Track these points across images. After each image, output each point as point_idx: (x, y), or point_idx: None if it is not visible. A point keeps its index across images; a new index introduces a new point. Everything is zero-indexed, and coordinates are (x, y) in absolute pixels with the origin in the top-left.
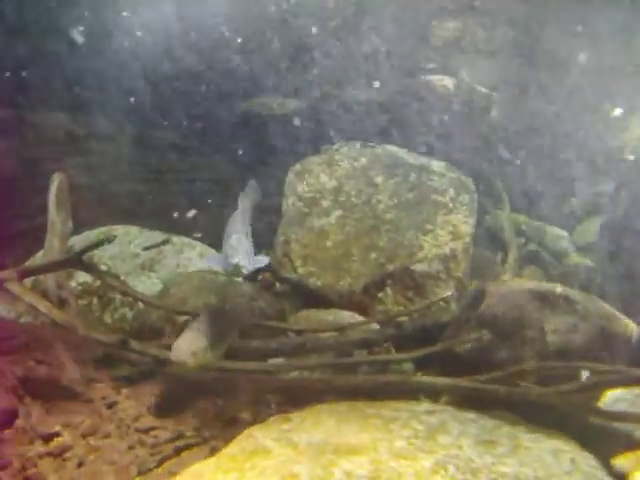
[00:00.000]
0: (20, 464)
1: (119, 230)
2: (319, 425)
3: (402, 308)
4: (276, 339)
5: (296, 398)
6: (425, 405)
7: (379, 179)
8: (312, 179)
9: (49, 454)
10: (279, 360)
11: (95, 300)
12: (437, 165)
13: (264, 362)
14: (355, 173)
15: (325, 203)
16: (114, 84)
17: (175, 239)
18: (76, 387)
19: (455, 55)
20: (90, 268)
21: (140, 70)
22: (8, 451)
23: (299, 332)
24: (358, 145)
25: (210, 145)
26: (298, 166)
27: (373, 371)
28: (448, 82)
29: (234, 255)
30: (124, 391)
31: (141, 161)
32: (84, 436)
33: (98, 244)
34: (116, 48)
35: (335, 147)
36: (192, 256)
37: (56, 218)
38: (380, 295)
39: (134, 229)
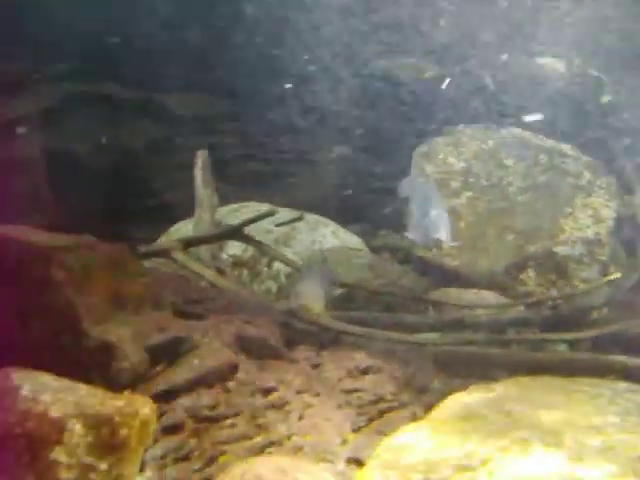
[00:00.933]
0: (250, 413)
1: (250, 206)
2: (524, 396)
3: (544, 290)
4: (431, 315)
5: (480, 370)
6: (622, 384)
7: (509, 161)
8: (439, 160)
9: (273, 406)
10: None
11: (245, 272)
12: (568, 147)
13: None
14: (483, 155)
15: (454, 184)
16: (237, 66)
17: (308, 216)
18: (281, 347)
19: (567, 37)
20: (251, 240)
21: (256, 49)
22: (236, 401)
23: (458, 308)
24: (481, 127)
25: (332, 126)
26: (424, 147)
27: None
28: (559, 65)
29: (436, 230)
30: (323, 354)
31: (263, 142)
32: (298, 392)
33: (258, 218)
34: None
35: (458, 128)
36: (326, 233)
37: (203, 193)
38: (522, 277)
39: (264, 206)
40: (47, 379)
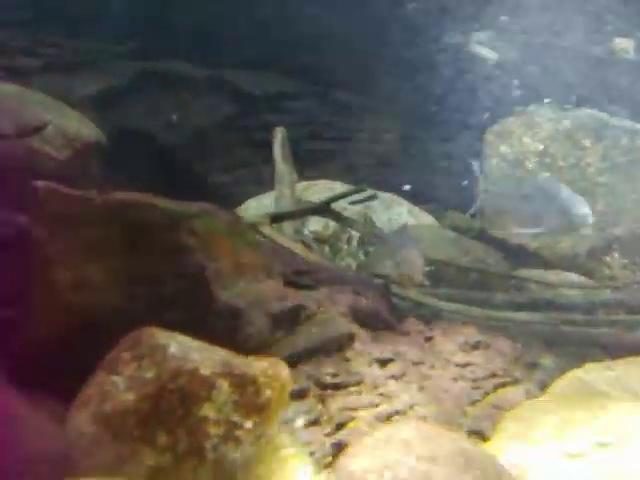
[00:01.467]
0: (371, 383)
1: (320, 184)
2: None
3: (630, 273)
4: (522, 294)
5: (584, 350)
6: None
7: (587, 142)
8: (514, 140)
9: (392, 376)
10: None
11: (327, 248)
12: None
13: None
14: (559, 135)
15: (530, 165)
16: (306, 44)
17: (382, 195)
18: (392, 319)
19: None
20: (338, 216)
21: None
22: (355, 370)
23: (549, 287)
24: (554, 107)
25: (400, 105)
26: (497, 127)
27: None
28: (628, 44)
29: (578, 206)
30: (434, 327)
31: (327, 121)
32: (415, 364)
33: (345, 195)
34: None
35: (530, 109)
36: (402, 212)
37: (283, 169)
38: (606, 259)
39: (337, 184)
40: (186, 340)
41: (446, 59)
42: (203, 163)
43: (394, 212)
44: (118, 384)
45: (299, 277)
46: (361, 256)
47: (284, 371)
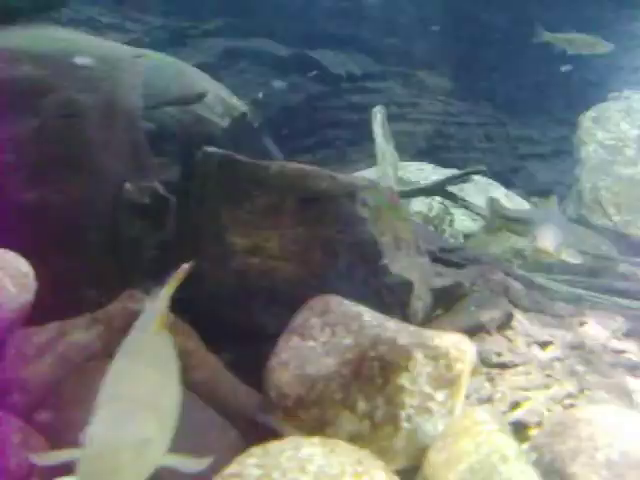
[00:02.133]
0: (538, 364)
1: (412, 165)
2: None
3: None
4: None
5: None
6: None
7: None
8: (612, 126)
9: (556, 359)
10: None
11: (431, 228)
12: None
13: None
14: None
15: (629, 152)
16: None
17: (476, 178)
18: (545, 301)
19: None
20: (453, 197)
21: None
22: (518, 350)
23: None
24: None
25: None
26: (592, 112)
27: None
28: None
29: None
30: (585, 312)
31: (412, 102)
32: (572, 348)
33: (461, 175)
34: None
35: (625, 94)
36: (499, 195)
37: (386, 148)
38: None
39: (428, 166)
40: (364, 309)
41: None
42: (290, 141)
43: (493, 195)
44: (316, 349)
45: (446, 255)
46: (461, 238)
47: (471, 346)
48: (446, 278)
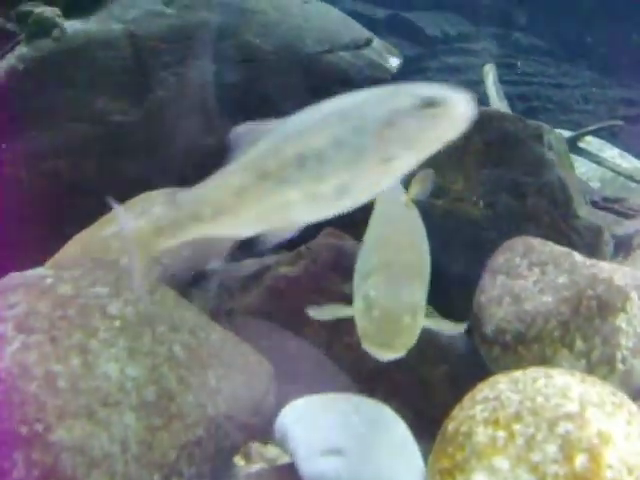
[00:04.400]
0: None
1: None
2: None
3: None
4: None
5: None
6: None
7: None
8: None
9: None
10: None
11: None
12: None
13: None
14: None
15: None
16: None
17: (590, 138)
18: None
19: None
20: (584, 152)
21: None
22: None
23: None
24: None
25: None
26: None
27: None
28: None
29: None
30: None
31: (508, 63)
32: None
33: (595, 130)
34: None
35: None
36: (614, 155)
37: (500, 105)
38: None
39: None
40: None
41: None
42: None
43: (607, 155)
44: (528, 287)
45: (611, 204)
46: None
47: None
48: (625, 226)
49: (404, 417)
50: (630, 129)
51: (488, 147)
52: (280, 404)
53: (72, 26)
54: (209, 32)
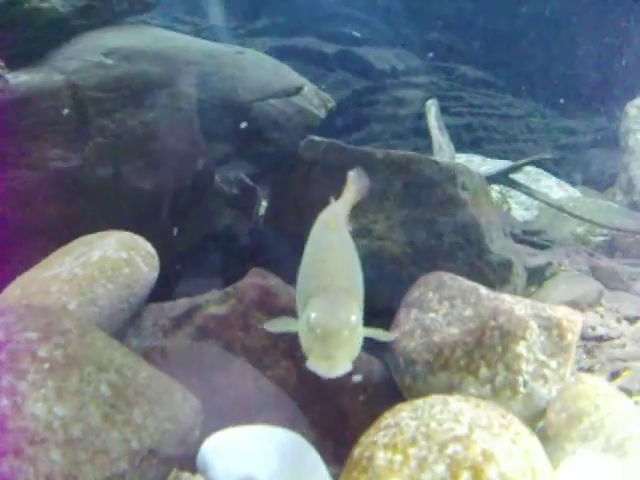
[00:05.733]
0: (631, 337)
1: (462, 157)
2: None
3: None
4: None
5: None
6: None
7: None
8: None
9: None
10: None
11: None
12: None
13: None
14: None
15: None
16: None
17: (528, 169)
18: (627, 280)
19: None
20: (517, 184)
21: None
22: (611, 325)
23: None
24: None
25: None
26: (638, 101)
27: None
28: None
29: None
30: None
31: (455, 96)
32: None
33: (526, 163)
34: None
35: None
36: (551, 185)
37: (442, 140)
38: None
39: (477, 157)
40: (476, 284)
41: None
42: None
43: (543, 185)
44: (438, 320)
45: (529, 237)
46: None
47: (579, 317)
48: (538, 258)
49: (324, 445)
50: (572, 158)
51: (406, 189)
52: (207, 437)
53: (15, 77)
54: (147, 82)
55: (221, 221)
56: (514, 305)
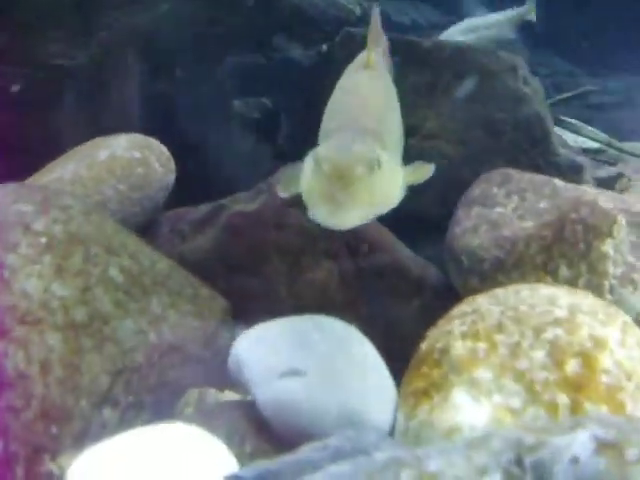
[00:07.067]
0: None
1: None
2: None
3: None
4: None
5: None
6: None
7: None
8: None
9: None
10: None
11: None
12: None
13: None
14: None
15: None
16: None
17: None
18: None
19: None
20: (560, 121)
21: None
22: None
23: None
24: None
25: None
26: None
27: None
28: None
29: None
30: None
31: None
32: None
33: (573, 95)
34: None
35: None
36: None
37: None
38: None
39: None
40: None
41: None
42: None
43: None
44: (506, 214)
45: (591, 155)
46: None
47: None
48: (607, 169)
49: None
50: (601, 117)
51: (459, 82)
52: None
53: None
54: None
55: (244, 144)
56: (598, 197)
